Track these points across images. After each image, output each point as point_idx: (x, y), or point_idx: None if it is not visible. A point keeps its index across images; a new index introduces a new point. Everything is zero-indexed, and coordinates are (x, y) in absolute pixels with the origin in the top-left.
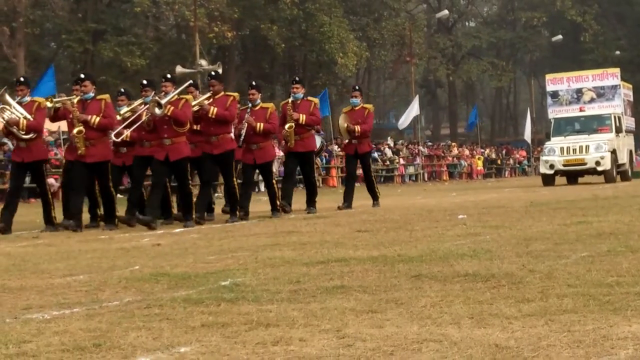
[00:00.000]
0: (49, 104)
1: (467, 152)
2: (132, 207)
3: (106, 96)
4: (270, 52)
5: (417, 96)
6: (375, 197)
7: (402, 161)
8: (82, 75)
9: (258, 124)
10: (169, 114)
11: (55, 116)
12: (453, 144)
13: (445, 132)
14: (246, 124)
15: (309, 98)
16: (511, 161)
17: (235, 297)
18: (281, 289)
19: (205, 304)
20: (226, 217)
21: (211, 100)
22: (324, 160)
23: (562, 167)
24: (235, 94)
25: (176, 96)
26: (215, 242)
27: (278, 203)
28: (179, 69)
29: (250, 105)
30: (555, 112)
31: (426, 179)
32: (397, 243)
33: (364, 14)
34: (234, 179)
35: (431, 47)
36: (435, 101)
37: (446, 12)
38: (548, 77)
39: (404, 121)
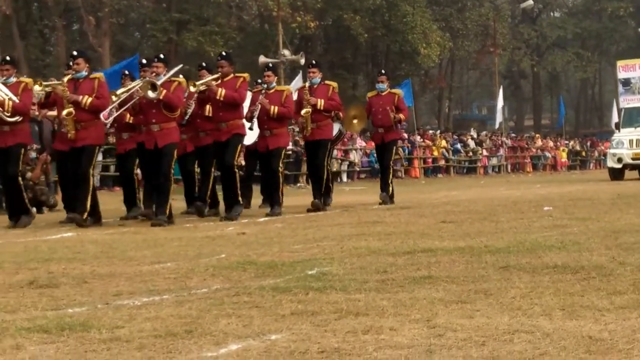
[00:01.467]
0: (37, 87)
1: (551, 143)
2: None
3: (100, 75)
4: (353, 42)
5: (501, 88)
6: (386, 188)
7: (485, 152)
8: (75, 52)
9: (272, 107)
10: (161, 97)
11: (47, 102)
12: (537, 135)
13: (529, 123)
14: (259, 106)
15: (327, 82)
16: (596, 153)
17: (322, 286)
18: (368, 278)
19: (294, 293)
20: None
21: (219, 82)
22: (406, 151)
23: (630, 161)
24: (246, 75)
25: (169, 79)
26: (299, 231)
27: (280, 197)
28: (262, 58)
29: (265, 87)
30: (626, 101)
31: (509, 170)
32: (483, 234)
33: (448, 4)
34: (234, 162)
35: (515, 37)
36: (519, 92)
37: (531, 2)
38: (619, 63)
39: (498, 116)
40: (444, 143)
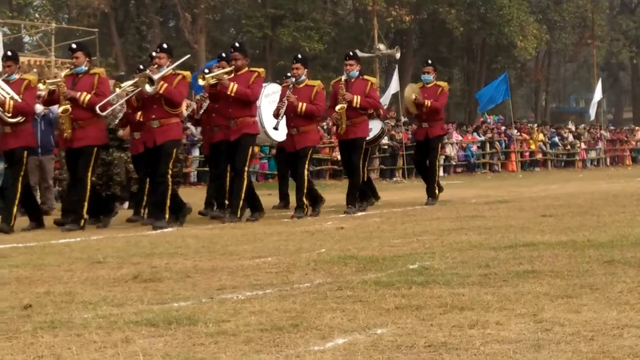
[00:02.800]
0: (41, 85)
1: None
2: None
3: (100, 70)
4: (449, 35)
5: (600, 80)
6: (432, 192)
7: (583, 145)
8: (74, 46)
9: (300, 103)
10: (161, 91)
11: (50, 99)
12: (637, 127)
13: (628, 115)
14: (286, 103)
15: (366, 77)
16: None
17: (425, 280)
18: (471, 272)
19: (396, 287)
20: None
21: (232, 75)
22: (503, 145)
23: None
24: (261, 69)
25: (171, 71)
26: (398, 225)
27: (305, 201)
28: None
29: (293, 81)
30: None
31: (608, 163)
32: (584, 228)
33: None
34: (245, 168)
35: (614, 29)
36: (617, 84)
37: None
38: None
39: (592, 110)
40: (541, 136)
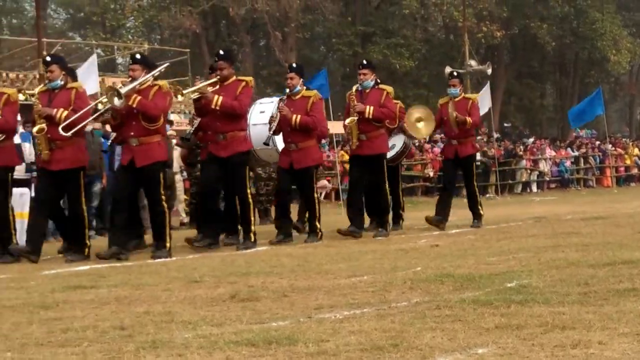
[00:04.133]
0: (21, 96)
1: None
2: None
3: (78, 84)
4: (540, 50)
5: None
6: (477, 214)
7: None
8: (48, 58)
9: (294, 115)
10: (134, 105)
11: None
12: None
13: None
14: (279, 115)
15: (381, 86)
16: None
17: (524, 298)
18: (570, 291)
19: (495, 306)
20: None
21: (217, 87)
22: (597, 160)
23: None
24: (248, 78)
25: (149, 83)
26: (493, 243)
27: (318, 225)
28: (447, 69)
29: (287, 92)
30: None
31: None
32: None
33: (638, 9)
34: (248, 190)
35: None
36: None
37: None
38: None
39: None
40: (636, 151)
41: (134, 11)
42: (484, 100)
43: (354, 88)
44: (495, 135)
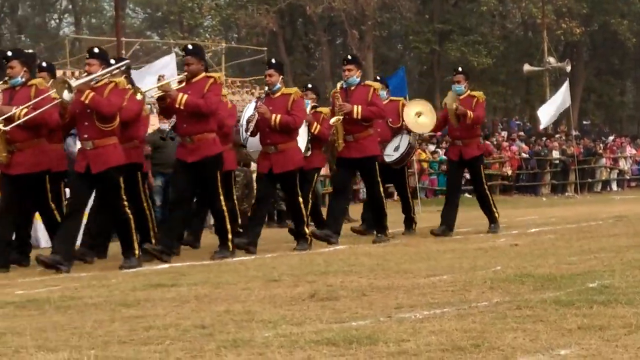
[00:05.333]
0: None
1: None
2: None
3: (38, 81)
4: (620, 46)
5: None
6: (492, 217)
7: None
8: (9, 53)
9: (274, 115)
10: (87, 101)
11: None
12: None
13: None
14: (256, 115)
15: (368, 82)
16: None
17: (606, 299)
18: None
19: (577, 306)
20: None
21: (183, 84)
22: None
23: None
24: (218, 75)
25: (106, 80)
26: (574, 242)
27: (307, 230)
28: (526, 67)
29: (266, 90)
30: None
31: None
32: None
33: None
34: (221, 197)
35: None
36: None
37: None
38: None
39: None
40: None
41: (212, 10)
42: (563, 98)
43: (338, 85)
44: (575, 133)
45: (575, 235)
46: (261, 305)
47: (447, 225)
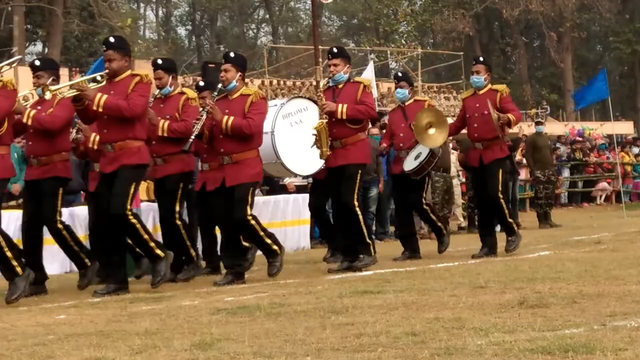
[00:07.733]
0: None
1: None
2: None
3: (9, 79)
4: None
5: None
6: (510, 229)
7: None
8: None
9: (225, 117)
10: (29, 123)
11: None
12: None
13: None
14: (203, 117)
15: (357, 79)
16: None
17: None
18: None
19: None
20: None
21: (103, 83)
22: None
23: None
24: (144, 73)
25: (62, 94)
26: None
27: (275, 248)
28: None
29: (219, 87)
30: None
31: None
32: None
33: None
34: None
35: None
36: None
37: None
38: None
39: None
40: None
41: (407, 16)
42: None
43: (322, 84)
44: None
45: None
46: (470, 312)
47: (490, 247)
